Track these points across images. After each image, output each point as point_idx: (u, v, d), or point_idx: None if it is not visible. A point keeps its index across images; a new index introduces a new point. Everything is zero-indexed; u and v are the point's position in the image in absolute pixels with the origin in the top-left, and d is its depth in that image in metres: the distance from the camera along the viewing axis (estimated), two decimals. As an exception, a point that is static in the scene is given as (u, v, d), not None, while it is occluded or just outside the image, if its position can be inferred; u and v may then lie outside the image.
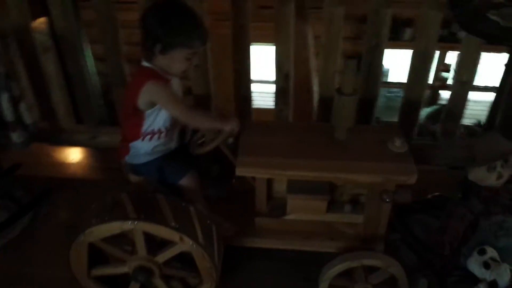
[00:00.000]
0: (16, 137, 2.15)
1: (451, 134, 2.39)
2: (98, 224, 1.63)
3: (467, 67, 2.19)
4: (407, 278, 1.79)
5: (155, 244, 1.72)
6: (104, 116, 2.58)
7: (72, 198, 2.48)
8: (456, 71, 2.29)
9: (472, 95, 2.35)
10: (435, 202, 2.13)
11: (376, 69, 2.22)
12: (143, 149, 1.76)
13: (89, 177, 2.71)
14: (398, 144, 1.79)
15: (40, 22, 2.42)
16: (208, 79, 2.33)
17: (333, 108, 1.81)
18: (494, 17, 1.65)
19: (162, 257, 1.71)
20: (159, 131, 1.74)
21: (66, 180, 2.62)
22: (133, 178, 1.85)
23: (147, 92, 1.64)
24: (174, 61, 1.65)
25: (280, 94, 2.32)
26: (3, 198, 2.33)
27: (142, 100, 1.65)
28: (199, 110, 1.91)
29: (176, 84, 1.75)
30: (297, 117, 2.47)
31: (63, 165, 2.74)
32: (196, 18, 1.63)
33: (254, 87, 2.33)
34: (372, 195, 1.79)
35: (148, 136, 1.74)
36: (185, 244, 1.65)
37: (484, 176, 1.80)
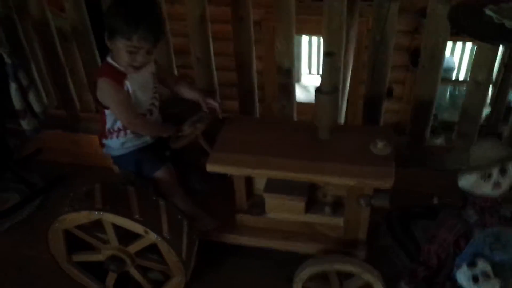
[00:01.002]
0: (25, 124, 2.27)
1: (468, 136, 2.20)
2: (69, 212, 1.69)
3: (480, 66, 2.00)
4: (389, 286, 1.69)
5: (130, 235, 1.75)
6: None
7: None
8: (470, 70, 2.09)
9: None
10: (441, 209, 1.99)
11: (436, 65, 2.04)
12: (113, 144, 1.79)
13: (105, 165, 2.80)
14: (380, 147, 1.68)
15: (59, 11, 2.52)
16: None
17: (314, 107, 1.73)
18: (490, 13, 1.48)
19: (133, 248, 1.74)
20: (124, 128, 1.76)
21: (82, 168, 2.73)
22: (115, 168, 1.90)
23: (99, 90, 1.67)
24: (118, 51, 1.62)
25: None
26: (18, 182, 2.48)
27: (100, 98, 1.69)
28: (145, 120, 1.81)
29: (141, 74, 1.72)
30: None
31: (81, 153, 2.86)
32: (147, 13, 1.58)
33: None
34: (351, 198, 1.69)
35: (114, 134, 1.77)
36: (150, 237, 1.66)
37: (477, 184, 1.63)
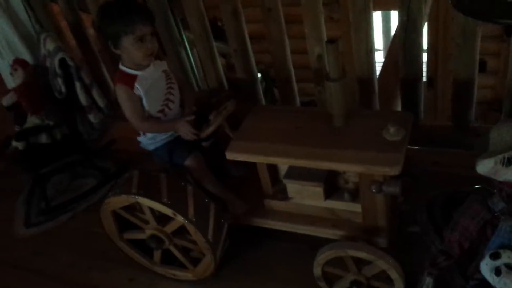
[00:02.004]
0: (92, 117, 2.60)
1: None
2: (112, 196, 1.93)
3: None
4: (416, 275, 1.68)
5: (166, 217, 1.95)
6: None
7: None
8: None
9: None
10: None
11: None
12: (145, 140, 2.00)
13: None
14: (392, 132, 1.66)
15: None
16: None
17: (325, 95, 1.76)
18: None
19: (168, 228, 1.94)
20: None
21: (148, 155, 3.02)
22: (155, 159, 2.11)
23: (117, 96, 1.87)
24: (129, 51, 1.79)
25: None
26: (94, 169, 2.83)
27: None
28: (151, 123, 1.96)
29: (152, 72, 1.88)
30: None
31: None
32: (130, 4, 1.73)
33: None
34: (363, 185, 1.71)
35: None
36: (178, 219, 1.84)
37: (496, 170, 1.55)
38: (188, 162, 1.94)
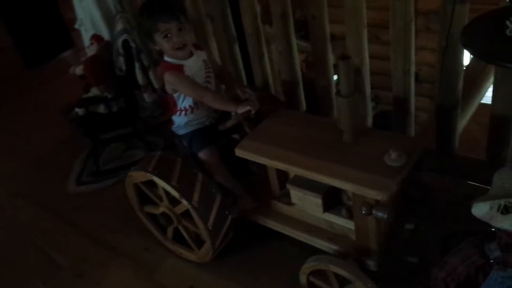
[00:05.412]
0: (147, 96, 2.82)
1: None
2: (134, 171, 2.11)
3: None
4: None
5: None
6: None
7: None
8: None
9: None
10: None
11: None
12: (180, 121, 2.13)
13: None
14: (393, 157, 1.63)
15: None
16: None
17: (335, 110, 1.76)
18: (509, 23, 1.30)
19: (178, 209, 2.08)
20: (190, 107, 2.08)
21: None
22: (178, 142, 2.25)
23: (166, 81, 2.00)
24: (162, 46, 1.94)
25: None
26: (145, 142, 3.06)
27: (167, 87, 2.03)
28: (214, 92, 2.06)
29: (195, 61, 2.02)
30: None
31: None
32: (157, 3, 1.87)
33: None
34: (356, 204, 1.70)
35: (182, 112, 2.10)
36: (184, 203, 1.97)
37: (492, 216, 1.46)
38: (202, 154, 2.06)
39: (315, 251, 2.00)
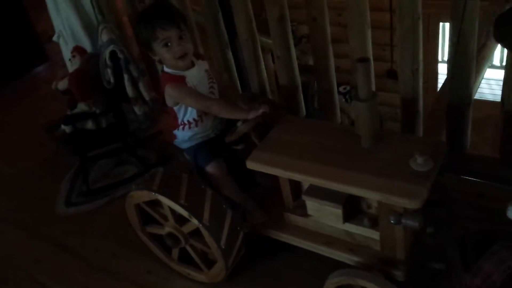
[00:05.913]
0: (137, 109, 2.67)
1: None
2: (136, 190, 1.98)
3: None
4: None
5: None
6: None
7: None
8: None
9: None
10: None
11: None
12: (183, 136, 2.01)
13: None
14: (420, 162, 1.55)
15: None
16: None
17: (354, 115, 1.68)
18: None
19: (185, 229, 1.96)
20: (194, 121, 1.96)
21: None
22: (181, 157, 2.12)
23: (168, 95, 1.88)
24: (162, 55, 1.82)
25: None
26: (136, 157, 2.92)
27: (168, 101, 1.91)
28: (220, 100, 1.95)
29: (196, 72, 1.90)
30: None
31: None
32: (155, 10, 1.77)
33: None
34: (382, 213, 1.62)
35: (186, 126, 1.97)
36: (194, 222, 1.85)
37: (529, 219, 1.40)
38: (209, 168, 1.94)
39: (330, 263, 1.92)
